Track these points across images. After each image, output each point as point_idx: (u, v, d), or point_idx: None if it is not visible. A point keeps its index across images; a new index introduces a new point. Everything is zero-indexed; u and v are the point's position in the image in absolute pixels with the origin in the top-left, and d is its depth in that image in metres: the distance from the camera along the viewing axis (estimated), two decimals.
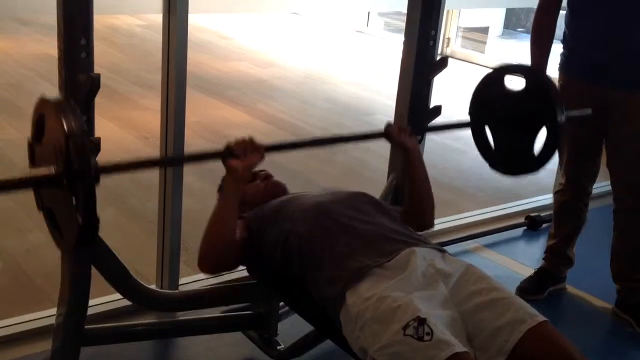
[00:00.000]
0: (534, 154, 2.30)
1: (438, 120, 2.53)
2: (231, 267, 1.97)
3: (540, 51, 2.60)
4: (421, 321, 1.49)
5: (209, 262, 1.85)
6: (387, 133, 2.07)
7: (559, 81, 2.70)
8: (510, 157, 2.36)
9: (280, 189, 2.13)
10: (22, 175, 1.51)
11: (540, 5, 2.63)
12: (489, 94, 2.36)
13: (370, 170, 4.22)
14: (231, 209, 1.81)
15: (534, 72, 2.38)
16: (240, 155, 1.76)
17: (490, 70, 2.40)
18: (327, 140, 2.11)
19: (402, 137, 2.06)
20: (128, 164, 1.74)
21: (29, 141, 1.62)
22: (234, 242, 1.85)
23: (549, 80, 2.32)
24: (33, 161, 1.64)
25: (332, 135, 2.11)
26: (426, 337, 1.47)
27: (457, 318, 1.59)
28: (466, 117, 2.40)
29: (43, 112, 1.56)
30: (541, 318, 1.58)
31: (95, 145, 1.76)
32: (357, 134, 2.20)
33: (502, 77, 2.34)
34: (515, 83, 2.34)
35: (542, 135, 2.28)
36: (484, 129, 2.38)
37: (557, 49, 2.73)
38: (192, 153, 1.91)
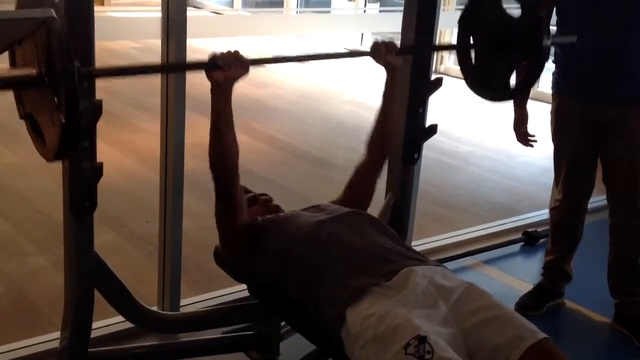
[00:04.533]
0: (509, 82, 2.27)
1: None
2: (232, 209, 1.96)
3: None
4: (422, 339, 1.50)
5: (215, 164, 1.96)
6: (374, 51, 2.08)
7: (553, 100, 2.74)
8: (489, 79, 2.33)
9: (278, 211, 2.15)
10: (2, 75, 1.44)
11: None
12: (482, 10, 2.32)
13: None
14: (221, 118, 1.89)
15: None
16: (225, 67, 1.79)
17: None
18: (313, 56, 2.15)
19: (388, 56, 2.08)
20: (111, 69, 1.75)
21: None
22: (236, 149, 1.95)
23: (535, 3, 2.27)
24: (14, 64, 1.57)
25: (319, 53, 2.16)
26: (427, 356, 1.48)
27: (458, 335, 1.60)
28: (462, 136, 2.42)
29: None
30: (541, 335, 1.59)
31: (98, 170, 1.77)
32: (343, 52, 2.29)
33: None
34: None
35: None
36: (469, 39, 2.34)
37: (548, 66, 2.77)
38: (176, 63, 1.94)
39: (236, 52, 1.81)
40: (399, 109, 2.13)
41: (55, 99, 1.40)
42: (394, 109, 2.16)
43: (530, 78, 2.23)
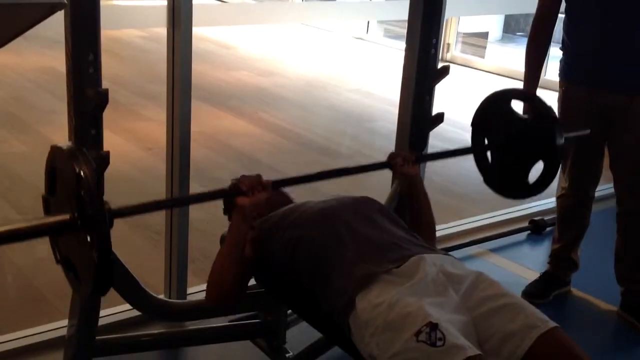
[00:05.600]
0: (527, 181, 2.33)
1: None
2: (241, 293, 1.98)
3: (533, 65, 2.65)
4: (433, 326, 1.50)
5: (216, 297, 1.88)
6: (391, 163, 2.16)
7: (560, 87, 2.72)
8: (506, 178, 2.39)
9: (286, 199, 2.16)
10: (38, 223, 1.55)
11: (537, 15, 2.66)
12: (493, 112, 2.39)
13: (374, 176, 4.24)
14: (238, 247, 1.84)
15: (533, 97, 2.41)
16: (248, 192, 1.79)
17: (498, 90, 2.44)
18: (333, 172, 2.17)
19: (405, 168, 2.14)
20: (138, 206, 1.80)
21: (43, 194, 1.67)
22: (240, 281, 1.89)
23: (546, 104, 2.35)
24: (48, 212, 1.68)
25: (337, 168, 2.19)
26: (439, 343, 1.47)
27: (469, 323, 1.60)
28: (469, 124, 2.42)
29: (55, 162, 1.59)
30: (552, 324, 1.60)
31: (104, 159, 1.78)
32: (362, 166, 2.26)
33: (509, 99, 2.38)
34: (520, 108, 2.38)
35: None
36: (484, 141, 2.40)
37: (555, 53, 2.75)
38: (199, 193, 1.96)
39: (258, 176, 1.82)
40: (430, 211, 2.17)
41: (89, 238, 1.49)
42: (425, 213, 2.16)
43: (548, 176, 2.26)
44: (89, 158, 1.50)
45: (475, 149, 2.41)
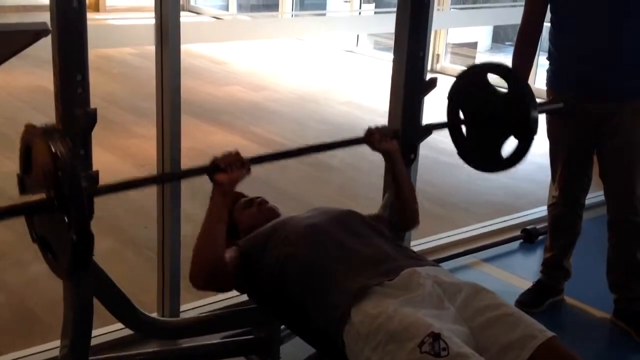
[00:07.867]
0: (501, 155, 2.35)
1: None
2: (222, 286, 1.97)
3: (523, 65, 2.66)
4: (436, 336, 1.49)
5: (200, 276, 1.84)
6: (368, 139, 2.12)
7: (547, 96, 2.74)
8: (480, 152, 2.40)
9: (275, 215, 2.16)
10: (13, 204, 1.51)
11: (522, 24, 2.68)
12: (470, 86, 2.39)
13: (365, 188, 4.25)
14: (218, 222, 1.83)
15: (509, 71, 2.38)
16: (227, 169, 1.80)
17: (476, 64, 2.45)
18: (311, 148, 2.16)
19: (383, 144, 2.11)
20: (120, 184, 1.76)
21: (18, 173, 1.64)
22: (223, 257, 1.86)
23: (522, 79, 2.37)
24: (23, 191, 1.65)
25: (315, 144, 2.23)
26: (443, 353, 1.47)
27: (467, 334, 1.60)
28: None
29: (30, 140, 1.57)
30: (550, 333, 1.60)
31: (94, 179, 1.78)
32: (339, 141, 2.24)
33: (485, 74, 2.37)
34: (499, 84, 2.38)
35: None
36: (459, 113, 2.40)
37: (543, 62, 2.77)
38: (178, 171, 1.91)
39: (236, 153, 1.83)
40: (411, 186, 2.15)
41: (66, 218, 1.46)
42: (405, 188, 2.15)
43: (522, 150, 2.30)
44: (65, 137, 1.46)
45: (451, 123, 2.39)
